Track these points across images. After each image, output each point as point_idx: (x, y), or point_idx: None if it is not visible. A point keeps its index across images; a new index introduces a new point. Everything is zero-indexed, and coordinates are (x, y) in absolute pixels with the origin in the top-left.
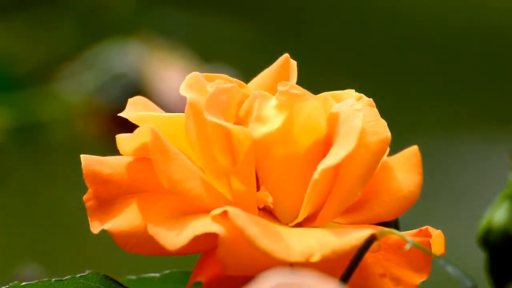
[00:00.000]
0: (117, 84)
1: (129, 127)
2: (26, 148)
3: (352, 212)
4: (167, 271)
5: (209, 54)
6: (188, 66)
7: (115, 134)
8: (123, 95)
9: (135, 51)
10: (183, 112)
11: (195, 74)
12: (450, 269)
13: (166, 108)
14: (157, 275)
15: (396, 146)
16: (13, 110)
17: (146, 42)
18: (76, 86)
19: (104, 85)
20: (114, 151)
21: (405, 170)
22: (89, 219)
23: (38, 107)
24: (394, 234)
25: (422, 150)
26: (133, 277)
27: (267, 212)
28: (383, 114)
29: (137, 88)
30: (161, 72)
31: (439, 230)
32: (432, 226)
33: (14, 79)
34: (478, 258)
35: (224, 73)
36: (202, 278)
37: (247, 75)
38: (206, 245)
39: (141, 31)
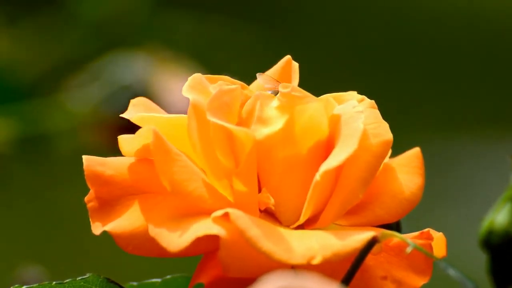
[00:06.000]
0: (123, 95)
1: None
2: (31, 158)
3: (353, 214)
4: (169, 276)
5: (215, 66)
6: None
7: None
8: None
9: (141, 62)
10: None
11: (198, 75)
12: (451, 272)
13: None
14: (159, 280)
15: (396, 146)
16: (19, 120)
17: (152, 54)
18: (82, 97)
19: (110, 96)
20: None
21: (407, 172)
22: (90, 220)
23: (44, 117)
24: (395, 237)
25: (423, 151)
26: (135, 283)
27: (269, 214)
28: (383, 114)
29: None
30: (167, 84)
31: (440, 233)
32: (433, 227)
33: (20, 89)
34: (480, 259)
35: None
36: (204, 280)
37: None
38: (207, 247)
39: (147, 43)
